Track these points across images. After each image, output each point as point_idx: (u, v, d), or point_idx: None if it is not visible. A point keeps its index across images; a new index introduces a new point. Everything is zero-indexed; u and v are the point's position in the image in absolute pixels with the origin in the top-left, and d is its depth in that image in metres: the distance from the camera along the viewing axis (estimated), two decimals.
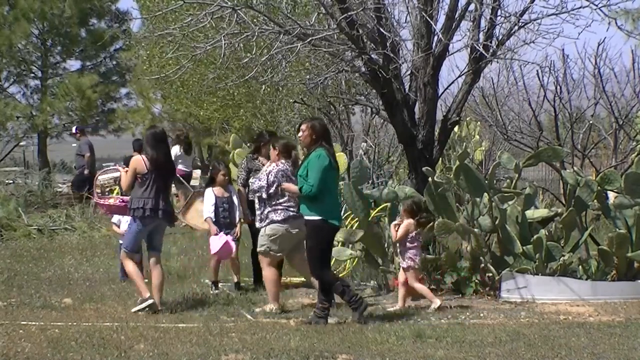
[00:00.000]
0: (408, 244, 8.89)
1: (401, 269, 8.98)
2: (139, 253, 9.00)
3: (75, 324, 7.92)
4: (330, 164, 8.00)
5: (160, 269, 8.86)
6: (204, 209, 9.72)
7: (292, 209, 8.66)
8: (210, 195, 9.70)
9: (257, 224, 8.87)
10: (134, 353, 6.79)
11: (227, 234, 9.58)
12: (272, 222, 8.71)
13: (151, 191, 8.65)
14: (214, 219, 9.62)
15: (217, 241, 9.49)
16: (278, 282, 8.90)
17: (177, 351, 6.82)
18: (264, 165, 9.30)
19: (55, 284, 10.19)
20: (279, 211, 8.67)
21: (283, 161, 8.71)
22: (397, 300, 9.22)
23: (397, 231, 8.93)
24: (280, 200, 8.67)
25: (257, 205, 8.85)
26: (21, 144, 32.97)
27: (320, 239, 8.07)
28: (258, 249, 8.87)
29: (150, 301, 8.49)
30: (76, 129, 20.30)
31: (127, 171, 8.86)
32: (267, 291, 8.86)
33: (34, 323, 7.94)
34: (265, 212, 8.72)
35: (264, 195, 8.67)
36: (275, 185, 8.57)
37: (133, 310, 8.49)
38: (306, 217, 8.09)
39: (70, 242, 14.06)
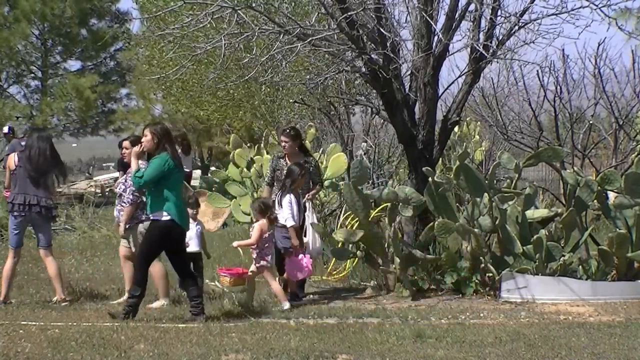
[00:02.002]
0: (262, 244, 8.99)
1: (255, 268, 9.05)
2: (18, 248, 9.28)
3: (75, 324, 7.92)
4: (175, 166, 8.10)
5: (52, 261, 9.21)
6: (287, 214, 9.16)
7: None
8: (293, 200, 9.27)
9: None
10: (134, 353, 6.79)
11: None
12: (141, 221, 8.99)
13: (20, 187, 9.08)
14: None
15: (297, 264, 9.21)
16: (166, 277, 9.06)
17: (177, 351, 6.82)
18: (286, 165, 9.54)
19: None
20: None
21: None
22: (397, 300, 9.23)
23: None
24: None
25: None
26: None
27: (162, 238, 8.14)
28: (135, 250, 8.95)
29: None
30: (8, 129, 18.57)
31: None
32: (157, 287, 9.03)
33: (34, 323, 7.94)
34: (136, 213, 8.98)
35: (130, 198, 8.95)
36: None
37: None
38: (154, 217, 8.13)
39: (70, 242, 14.06)
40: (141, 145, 8.24)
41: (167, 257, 8.36)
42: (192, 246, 9.36)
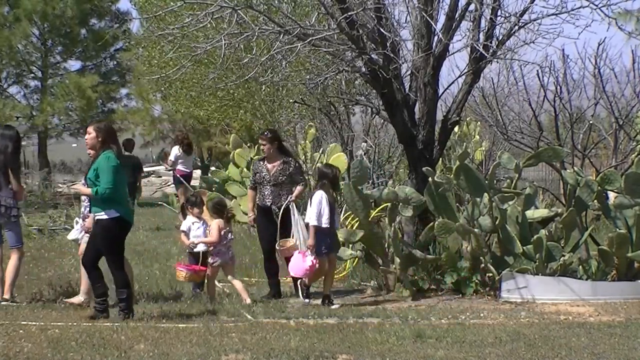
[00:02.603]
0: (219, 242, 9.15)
1: (211, 267, 9.15)
2: None
3: (75, 324, 7.92)
4: (119, 164, 8.12)
5: (16, 260, 9.17)
6: (313, 212, 9.01)
7: None
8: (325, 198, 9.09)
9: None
10: (134, 353, 6.78)
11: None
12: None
13: None
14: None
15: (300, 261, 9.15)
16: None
17: (177, 351, 6.82)
18: (266, 168, 9.51)
19: (55, 284, 10.18)
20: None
21: None
22: (397, 300, 9.23)
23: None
24: None
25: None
26: (21, 144, 32.94)
27: (115, 235, 8.17)
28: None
29: None
30: None
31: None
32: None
33: (34, 323, 7.93)
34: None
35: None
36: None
37: None
38: (100, 217, 8.12)
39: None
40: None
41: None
42: (201, 245, 9.31)
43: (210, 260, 9.17)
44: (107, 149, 8.11)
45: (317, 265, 9.04)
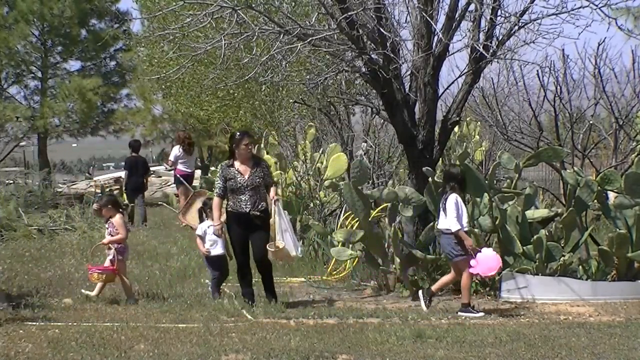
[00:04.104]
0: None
1: (110, 262, 9.28)
2: None
3: (75, 324, 7.92)
4: None
5: None
6: (452, 217, 8.67)
7: None
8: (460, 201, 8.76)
9: None
10: (134, 353, 6.79)
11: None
12: None
13: None
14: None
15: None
16: None
17: (177, 351, 6.82)
18: (239, 172, 8.93)
19: (55, 284, 10.19)
20: None
21: None
22: (397, 300, 9.22)
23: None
24: None
25: None
26: (21, 144, 32.97)
27: None
28: None
29: None
30: None
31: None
32: None
33: (34, 323, 7.94)
34: None
35: None
36: None
37: None
38: None
39: (70, 242, 14.04)
40: None
41: None
42: (218, 248, 9.25)
43: (119, 256, 9.25)
44: None
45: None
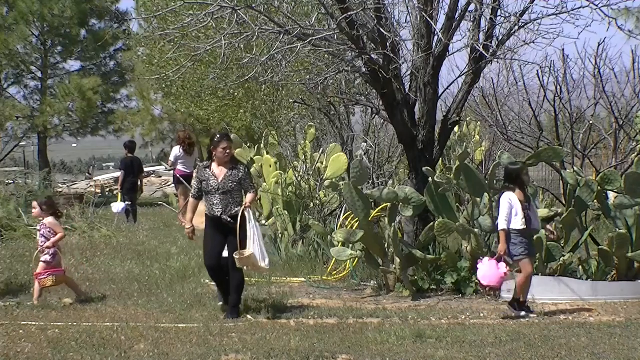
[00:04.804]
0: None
1: (46, 263, 9.25)
2: None
3: (75, 324, 7.93)
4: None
5: None
6: (503, 216, 8.48)
7: None
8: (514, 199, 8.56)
9: None
10: (134, 353, 6.79)
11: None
12: None
13: None
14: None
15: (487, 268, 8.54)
16: None
17: (177, 351, 6.82)
18: (214, 175, 8.64)
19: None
20: None
21: None
22: (398, 300, 9.22)
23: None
24: None
25: None
26: (21, 144, 33.00)
27: None
28: None
29: None
30: None
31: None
32: None
33: (34, 323, 7.94)
34: None
35: None
36: None
37: None
38: None
39: (70, 242, 14.05)
40: None
41: None
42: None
43: (50, 258, 9.25)
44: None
45: (508, 272, 8.48)
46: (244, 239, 8.40)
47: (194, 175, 9.10)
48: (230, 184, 8.59)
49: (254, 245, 8.43)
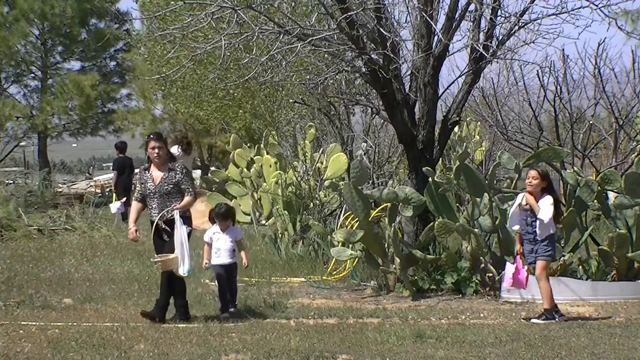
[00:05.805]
0: None
1: None
2: None
3: (75, 324, 7.92)
4: None
5: None
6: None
7: None
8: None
9: None
10: (134, 353, 6.79)
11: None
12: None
13: None
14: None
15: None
16: None
17: (177, 351, 6.82)
18: (151, 177, 8.27)
19: (55, 284, 10.20)
20: None
21: None
22: (398, 300, 9.21)
23: None
24: None
25: None
26: (21, 144, 33.02)
27: None
28: None
29: None
30: None
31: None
32: None
33: (34, 323, 7.94)
34: None
35: None
36: None
37: None
38: None
39: (70, 242, 14.06)
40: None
41: None
42: (222, 258, 8.52)
43: None
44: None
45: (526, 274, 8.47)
46: (172, 244, 8.09)
47: (137, 177, 8.67)
48: (167, 187, 8.20)
49: (177, 250, 8.07)
